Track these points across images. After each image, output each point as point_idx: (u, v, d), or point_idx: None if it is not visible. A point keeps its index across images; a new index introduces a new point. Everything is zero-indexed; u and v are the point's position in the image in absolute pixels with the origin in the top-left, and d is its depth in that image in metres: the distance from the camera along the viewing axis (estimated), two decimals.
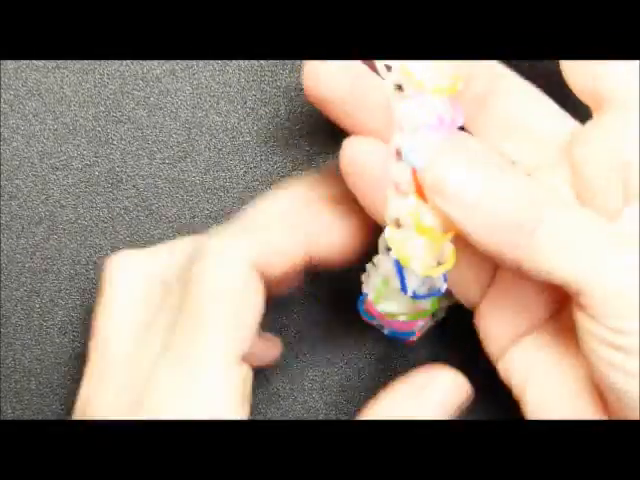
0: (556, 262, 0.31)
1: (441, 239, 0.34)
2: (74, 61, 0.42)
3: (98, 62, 0.42)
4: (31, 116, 0.42)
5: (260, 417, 0.44)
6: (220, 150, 0.43)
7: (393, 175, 0.35)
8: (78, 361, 0.43)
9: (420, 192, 0.34)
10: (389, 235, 0.34)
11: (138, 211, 0.43)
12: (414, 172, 0.34)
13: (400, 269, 0.34)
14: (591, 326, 0.31)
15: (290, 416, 0.44)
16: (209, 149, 0.43)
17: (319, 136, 0.43)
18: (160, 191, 0.43)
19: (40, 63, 0.42)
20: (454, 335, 0.44)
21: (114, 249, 0.43)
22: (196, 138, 0.43)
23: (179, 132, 0.43)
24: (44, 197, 0.43)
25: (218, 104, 0.43)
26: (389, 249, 0.35)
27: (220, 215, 0.43)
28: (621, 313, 0.31)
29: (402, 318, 0.37)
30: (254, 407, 0.44)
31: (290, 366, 0.44)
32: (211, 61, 0.42)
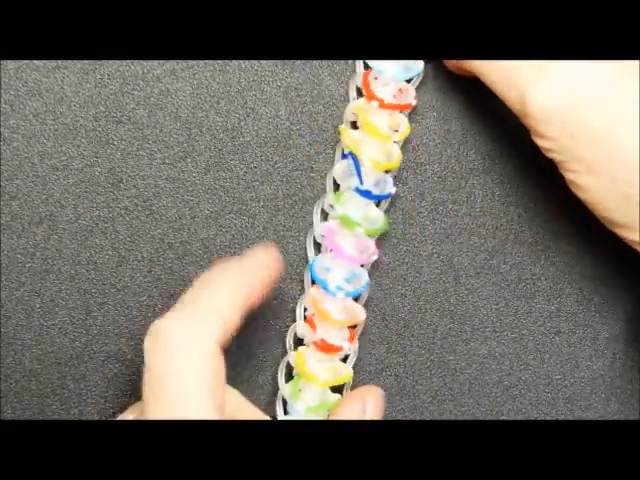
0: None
1: (385, 137, 0.41)
2: (74, 61, 0.42)
3: (98, 62, 0.42)
4: (31, 116, 0.42)
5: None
6: (220, 150, 0.43)
7: (356, 80, 0.42)
8: (78, 361, 0.43)
9: (369, 96, 0.41)
10: (345, 133, 0.41)
11: (138, 211, 0.43)
12: (365, 77, 0.41)
13: (357, 163, 0.40)
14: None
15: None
16: (209, 149, 0.43)
17: (319, 136, 0.43)
18: (160, 191, 0.43)
19: (40, 63, 0.42)
20: (445, 340, 0.45)
21: (114, 249, 0.43)
22: (196, 138, 0.43)
23: (179, 132, 0.43)
24: (44, 197, 0.43)
25: (218, 104, 0.43)
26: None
27: (220, 215, 0.43)
28: (545, 133, 0.37)
29: (359, 231, 0.41)
30: (254, 406, 0.44)
31: None
32: (211, 61, 0.42)
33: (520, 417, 0.45)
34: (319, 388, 0.42)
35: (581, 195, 0.38)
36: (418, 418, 0.45)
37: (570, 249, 0.44)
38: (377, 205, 0.42)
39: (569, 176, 0.38)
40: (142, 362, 0.43)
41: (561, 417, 0.45)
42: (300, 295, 0.43)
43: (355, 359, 0.43)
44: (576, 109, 0.36)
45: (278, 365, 0.43)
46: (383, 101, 0.40)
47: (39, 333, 0.43)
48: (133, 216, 0.43)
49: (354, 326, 0.43)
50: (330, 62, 0.43)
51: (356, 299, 0.42)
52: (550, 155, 0.38)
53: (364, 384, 0.43)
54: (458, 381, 0.45)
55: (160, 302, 0.43)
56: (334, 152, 0.43)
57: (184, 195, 0.43)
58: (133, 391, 0.44)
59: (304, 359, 0.42)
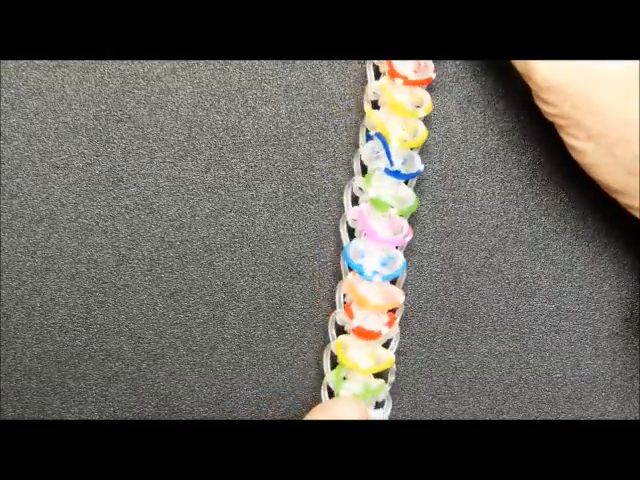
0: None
1: (411, 114, 0.41)
2: (75, 60, 0.42)
3: (99, 61, 0.42)
4: (32, 115, 0.42)
5: (261, 417, 0.44)
6: (221, 149, 0.43)
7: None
8: (79, 360, 0.43)
9: (392, 73, 0.40)
10: (371, 114, 0.41)
11: (139, 210, 0.43)
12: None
13: (385, 144, 0.40)
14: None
15: (291, 415, 0.44)
16: (210, 148, 0.43)
17: (319, 136, 0.43)
18: (161, 190, 0.43)
19: (41, 62, 0.42)
20: (445, 339, 0.45)
21: (115, 248, 0.43)
22: (197, 137, 0.43)
23: (180, 131, 0.43)
24: (45, 196, 0.43)
25: (219, 103, 0.43)
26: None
27: (221, 214, 0.43)
28: (547, 99, 0.38)
29: (392, 212, 0.41)
30: (255, 406, 0.44)
31: (291, 365, 0.44)
32: (212, 60, 0.42)
33: (520, 416, 0.45)
34: (362, 375, 0.42)
35: (580, 159, 0.39)
36: (418, 417, 0.45)
37: (570, 248, 0.44)
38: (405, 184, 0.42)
39: (569, 140, 0.38)
40: (142, 360, 0.44)
41: (561, 416, 0.45)
42: (337, 284, 0.43)
43: (397, 344, 0.43)
44: (579, 82, 0.37)
45: (322, 352, 0.43)
46: (407, 78, 0.40)
47: (39, 332, 0.43)
48: (133, 215, 0.43)
49: (394, 310, 0.43)
50: (330, 61, 0.43)
51: (394, 282, 0.42)
52: (551, 119, 0.39)
53: None
54: (458, 380, 0.45)
55: (160, 301, 0.43)
56: (335, 150, 0.43)
57: (184, 194, 0.43)
58: (133, 390, 0.44)
59: (345, 347, 0.42)
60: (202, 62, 0.42)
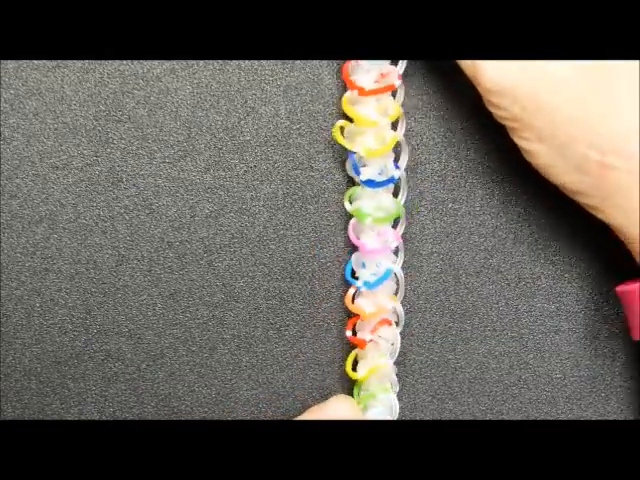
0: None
1: (373, 124, 0.41)
2: (74, 60, 0.42)
3: (98, 61, 0.42)
4: (31, 115, 0.42)
5: (261, 417, 0.44)
6: (220, 149, 0.43)
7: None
8: (78, 360, 0.43)
9: (350, 86, 0.41)
10: (337, 131, 0.42)
11: (138, 210, 0.43)
12: (344, 68, 0.41)
13: (351, 156, 0.42)
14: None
15: (290, 415, 0.44)
16: (209, 148, 0.43)
17: (319, 135, 0.43)
18: (160, 190, 0.43)
19: (40, 62, 0.42)
20: (445, 339, 0.45)
21: (114, 248, 0.43)
22: (196, 137, 0.43)
23: (179, 131, 0.43)
24: (44, 196, 0.43)
25: (218, 103, 0.43)
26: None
27: (220, 214, 0.43)
28: (497, 103, 0.38)
29: (369, 220, 0.42)
30: (254, 406, 0.44)
31: (290, 365, 0.44)
32: (211, 60, 0.42)
33: (520, 416, 0.45)
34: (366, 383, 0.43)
35: (534, 162, 0.39)
36: (418, 417, 0.45)
37: (570, 248, 0.44)
38: (395, 193, 0.43)
39: (521, 143, 0.39)
40: (141, 361, 0.44)
41: (561, 416, 0.45)
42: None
43: (398, 350, 0.43)
44: (526, 83, 0.37)
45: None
46: (363, 89, 0.41)
47: (39, 332, 0.43)
48: (133, 215, 0.43)
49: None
50: (330, 61, 0.43)
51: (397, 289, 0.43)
52: (502, 122, 0.39)
53: None
54: (458, 380, 0.45)
55: (160, 301, 0.43)
56: (334, 151, 0.43)
57: (184, 194, 0.43)
58: (133, 390, 0.44)
59: (359, 359, 0.43)
60: (201, 62, 0.42)
